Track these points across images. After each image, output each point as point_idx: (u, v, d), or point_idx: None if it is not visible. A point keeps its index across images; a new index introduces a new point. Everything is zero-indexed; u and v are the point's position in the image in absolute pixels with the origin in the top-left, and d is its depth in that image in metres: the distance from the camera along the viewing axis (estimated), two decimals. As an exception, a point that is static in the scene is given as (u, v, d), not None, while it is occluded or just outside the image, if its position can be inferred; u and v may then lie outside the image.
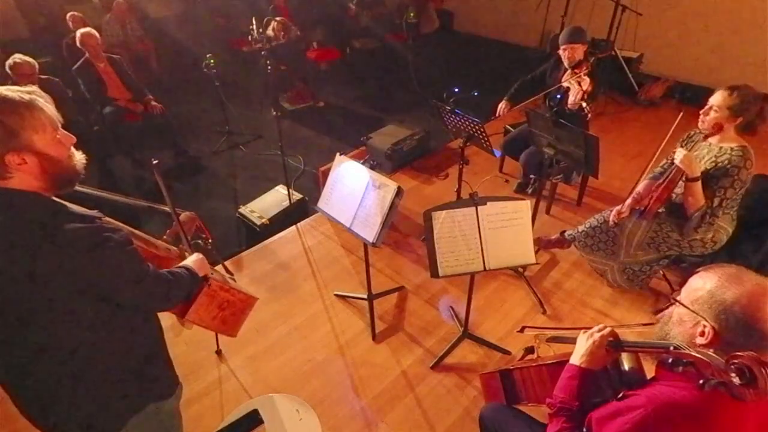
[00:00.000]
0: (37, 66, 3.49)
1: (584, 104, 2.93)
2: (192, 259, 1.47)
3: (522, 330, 1.88)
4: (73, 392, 1.18)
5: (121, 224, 1.30)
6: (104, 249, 1.09)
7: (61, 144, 1.10)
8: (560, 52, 3.18)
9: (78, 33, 3.88)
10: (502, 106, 3.46)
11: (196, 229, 1.83)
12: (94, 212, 1.14)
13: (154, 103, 4.19)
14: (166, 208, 1.58)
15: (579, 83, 2.95)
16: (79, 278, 1.06)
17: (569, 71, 3.14)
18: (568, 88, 3.06)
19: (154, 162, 1.55)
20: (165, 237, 1.72)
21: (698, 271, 1.10)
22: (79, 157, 1.16)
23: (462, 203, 2.07)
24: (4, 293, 1.04)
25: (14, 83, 3.32)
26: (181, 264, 1.42)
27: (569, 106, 3.03)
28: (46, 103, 1.07)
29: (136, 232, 1.52)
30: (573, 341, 1.32)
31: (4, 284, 1.03)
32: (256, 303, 1.73)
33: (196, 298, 1.45)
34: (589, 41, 3.24)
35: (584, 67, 3.05)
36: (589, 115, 2.95)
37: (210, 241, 1.90)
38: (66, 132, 1.12)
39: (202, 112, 5.35)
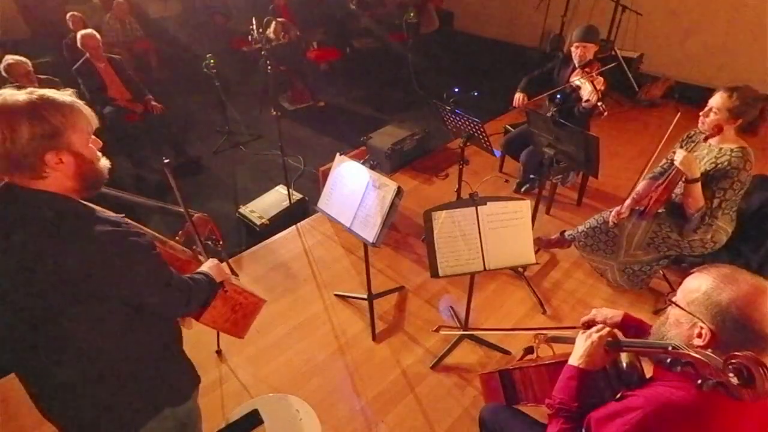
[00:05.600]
0: (30, 64, 3.44)
1: (600, 103, 2.94)
2: (208, 265, 1.48)
3: (437, 330, 1.90)
4: (88, 397, 1.18)
5: (144, 228, 1.30)
6: (132, 253, 1.11)
7: (93, 147, 1.14)
8: (572, 49, 3.18)
9: (79, 34, 3.87)
10: (519, 97, 3.39)
11: (208, 231, 1.83)
12: (119, 216, 1.16)
13: (154, 103, 4.19)
14: (179, 209, 1.57)
15: (593, 82, 2.96)
16: (106, 281, 1.07)
17: (578, 70, 3.15)
18: (578, 87, 3.06)
19: (166, 161, 1.54)
20: (177, 237, 1.72)
21: (693, 272, 1.09)
22: (104, 162, 1.19)
23: (462, 203, 2.07)
24: (33, 293, 1.04)
25: (13, 84, 3.31)
26: (199, 270, 1.43)
27: (583, 105, 3.03)
28: (84, 106, 1.11)
29: (157, 234, 1.52)
30: (572, 341, 1.32)
31: (33, 284, 1.03)
32: (264, 305, 1.73)
33: (212, 301, 1.45)
34: (601, 42, 3.25)
35: (596, 67, 3.05)
36: (605, 113, 2.97)
37: (221, 243, 1.90)
38: (95, 137, 1.16)
39: (202, 112, 5.35)
